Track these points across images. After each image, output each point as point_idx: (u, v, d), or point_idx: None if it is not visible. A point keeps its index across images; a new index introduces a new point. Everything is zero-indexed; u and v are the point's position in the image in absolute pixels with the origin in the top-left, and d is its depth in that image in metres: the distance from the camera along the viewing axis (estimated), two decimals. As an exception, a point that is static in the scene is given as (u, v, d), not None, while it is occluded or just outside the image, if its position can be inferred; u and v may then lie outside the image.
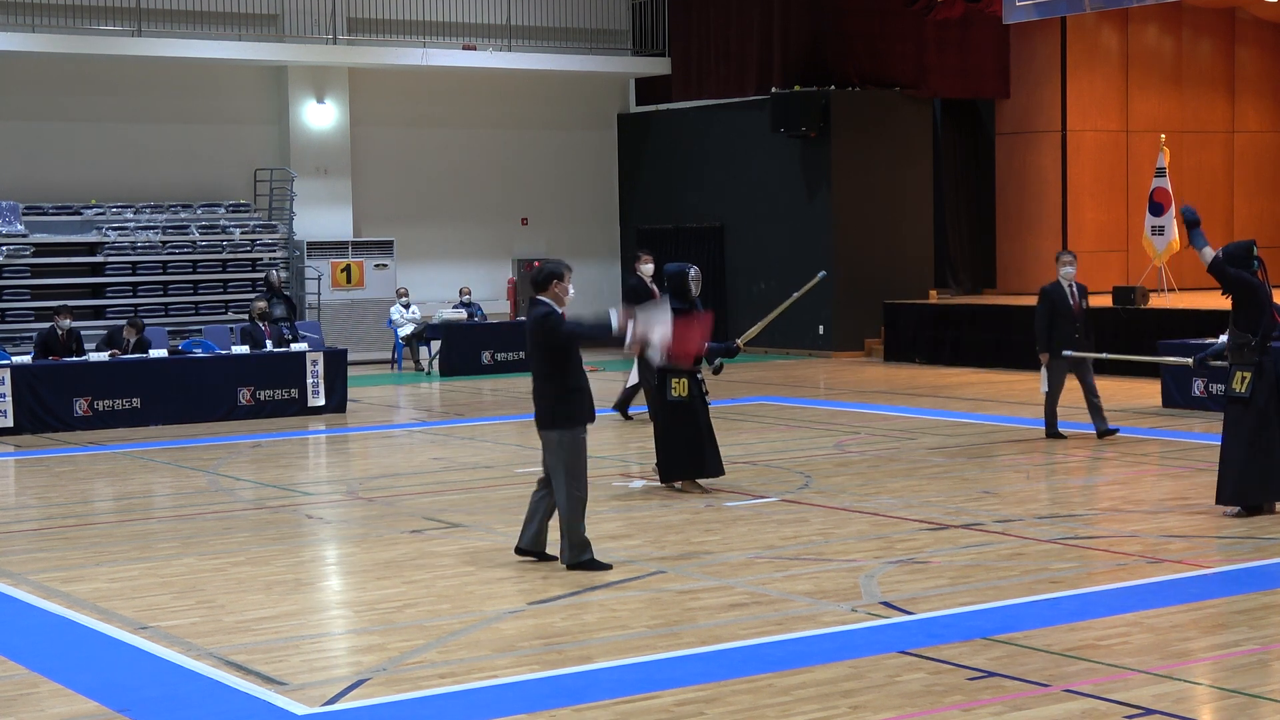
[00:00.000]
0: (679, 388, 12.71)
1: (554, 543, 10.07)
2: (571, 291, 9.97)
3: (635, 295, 16.49)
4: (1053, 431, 15.53)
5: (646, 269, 16.41)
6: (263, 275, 25.44)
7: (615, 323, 9.67)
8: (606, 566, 9.93)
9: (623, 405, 17.81)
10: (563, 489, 9.84)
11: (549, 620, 8.62)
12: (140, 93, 26.03)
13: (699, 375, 12.90)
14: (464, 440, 16.76)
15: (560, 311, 9.87)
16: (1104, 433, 15.32)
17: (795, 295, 14.81)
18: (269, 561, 10.51)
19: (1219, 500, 11.26)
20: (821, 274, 15.80)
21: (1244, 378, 11.02)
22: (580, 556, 9.92)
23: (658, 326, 9.63)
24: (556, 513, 9.99)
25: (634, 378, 17.15)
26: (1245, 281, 11.03)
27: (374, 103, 28.04)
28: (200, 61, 25.73)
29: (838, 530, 11.08)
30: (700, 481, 12.92)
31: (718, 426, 13.05)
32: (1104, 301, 23.36)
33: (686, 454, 12.80)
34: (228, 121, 26.84)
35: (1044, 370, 15.41)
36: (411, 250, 27.92)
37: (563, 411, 9.83)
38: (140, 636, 8.44)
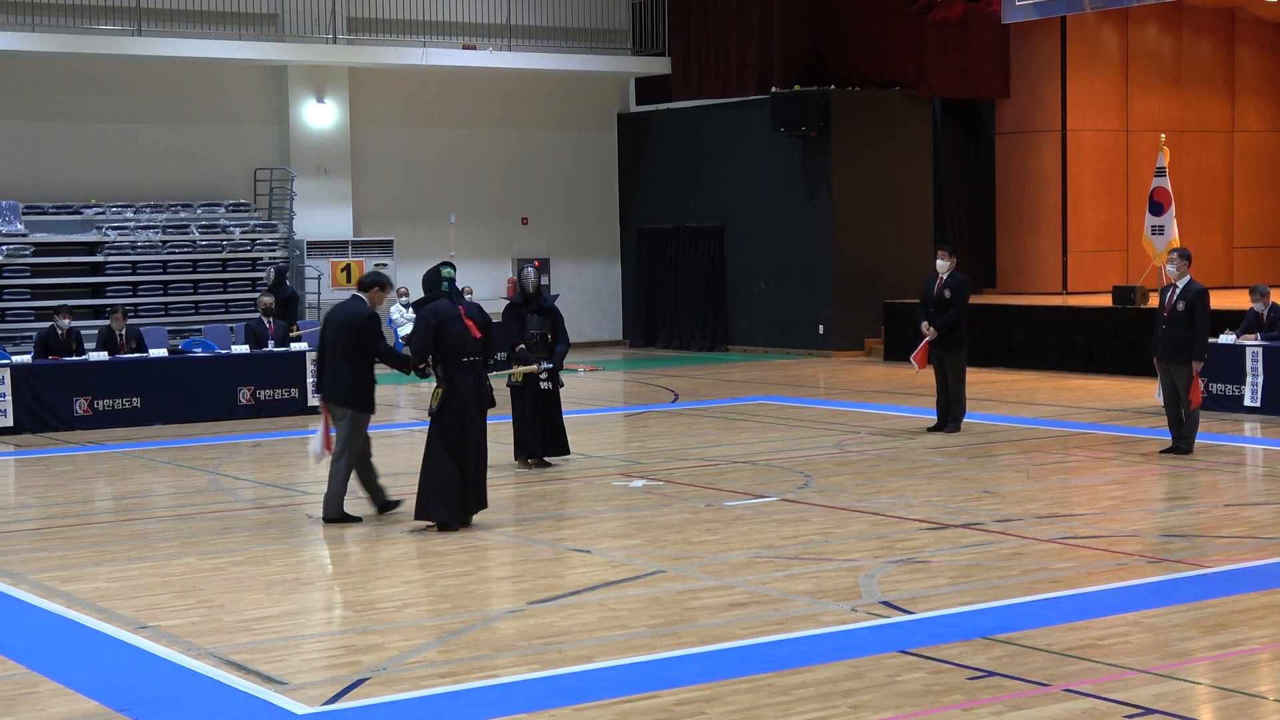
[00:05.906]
0: (516, 375, 14.11)
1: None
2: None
3: (925, 290, 16.43)
4: None
5: (941, 264, 16.40)
6: (263, 274, 25.40)
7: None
8: (357, 519, 11.69)
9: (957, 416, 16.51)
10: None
11: (549, 620, 8.62)
12: (140, 93, 26.02)
13: (542, 367, 14.13)
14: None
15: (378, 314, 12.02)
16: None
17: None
18: (269, 561, 10.50)
19: (417, 516, 11.30)
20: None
21: (437, 394, 11.21)
22: (338, 511, 11.70)
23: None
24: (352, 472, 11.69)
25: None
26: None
27: (374, 102, 28.04)
28: (200, 61, 25.73)
29: (838, 530, 11.08)
30: (548, 459, 14.39)
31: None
32: (1104, 301, 23.40)
33: (518, 437, 14.31)
34: (228, 121, 26.84)
35: None
36: (411, 250, 27.92)
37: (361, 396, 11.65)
38: (140, 636, 8.43)
